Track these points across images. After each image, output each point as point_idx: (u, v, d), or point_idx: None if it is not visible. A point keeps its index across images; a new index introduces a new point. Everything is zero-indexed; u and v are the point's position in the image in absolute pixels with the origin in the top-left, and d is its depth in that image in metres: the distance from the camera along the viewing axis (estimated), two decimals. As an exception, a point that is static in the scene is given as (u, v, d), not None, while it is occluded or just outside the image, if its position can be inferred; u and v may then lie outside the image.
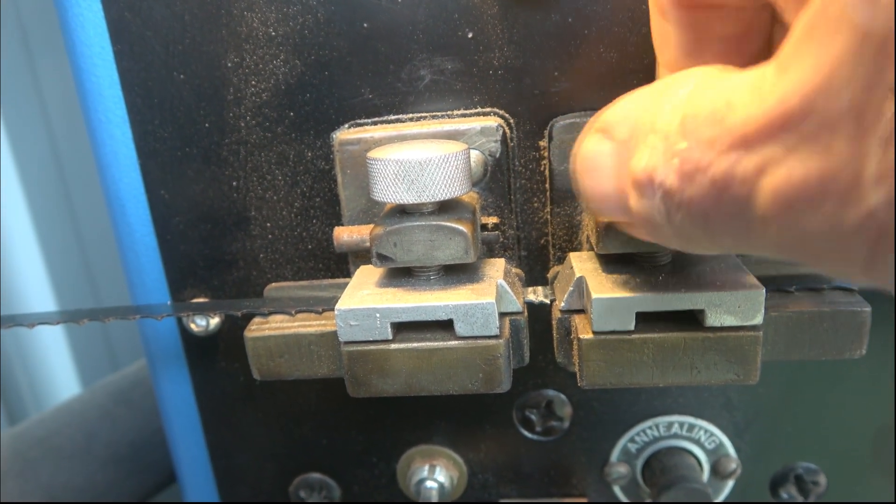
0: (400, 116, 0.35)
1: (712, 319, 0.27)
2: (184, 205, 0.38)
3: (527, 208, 0.36)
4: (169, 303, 0.40)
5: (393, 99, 0.35)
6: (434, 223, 0.29)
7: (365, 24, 0.34)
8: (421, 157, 0.28)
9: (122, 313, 0.35)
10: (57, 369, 0.84)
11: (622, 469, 0.40)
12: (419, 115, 0.35)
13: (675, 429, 0.39)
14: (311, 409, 0.42)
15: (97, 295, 0.88)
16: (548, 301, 0.32)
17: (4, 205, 0.78)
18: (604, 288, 0.28)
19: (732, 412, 0.39)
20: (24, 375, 0.84)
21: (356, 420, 0.42)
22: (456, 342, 0.29)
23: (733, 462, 0.39)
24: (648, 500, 0.41)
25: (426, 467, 0.41)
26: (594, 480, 0.41)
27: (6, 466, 0.56)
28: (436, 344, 0.29)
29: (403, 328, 0.30)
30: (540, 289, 0.33)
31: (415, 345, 0.29)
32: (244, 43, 0.35)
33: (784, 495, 0.40)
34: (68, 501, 0.57)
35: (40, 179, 0.80)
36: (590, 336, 0.28)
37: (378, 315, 0.29)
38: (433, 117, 0.35)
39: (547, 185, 0.35)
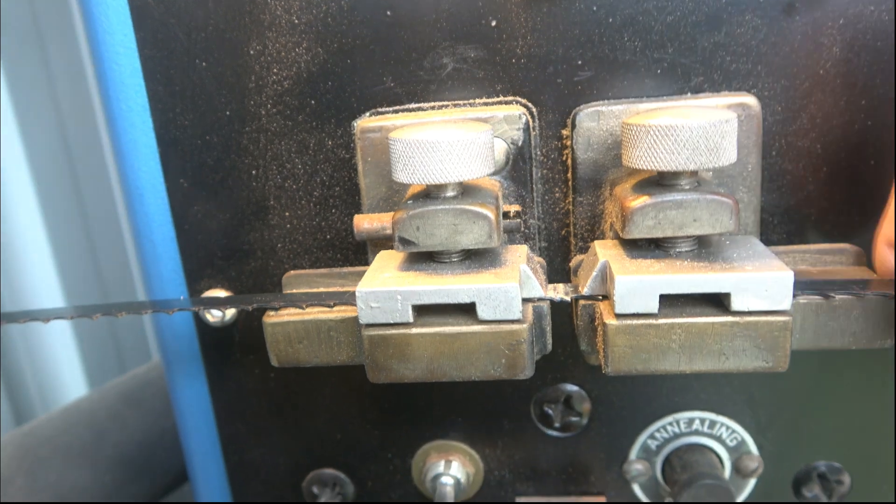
0: (422, 105, 0.35)
1: (739, 303, 0.27)
2: (203, 194, 0.38)
3: (548, 198, 0.35)
4: (185, 297, 0.40)
5: (415, 87, 0.35)
6: (458, 207, 0.29)
7: (388, 13, 0.34)
8: (443, 136, 0.28)
9: (153, 307, 0.34)
10: (65, 370, 0.83)
11: (641, 466, 0.39)
12: (441, 103, 0.35)
13: (696, 425, 0.38)
14: (325, 402, 0.41)
15: (104, 288, 0.88)
16: (568, 298, 0.31)
17: (15, 200, 0.78)
18: (627, 270, 0.28)
19: (755, 409, 0.38)
20: (31, 376, 0.84)
21: (371, 415, 0.41)
22: (479, 327, 0.29)
23: (755, 460, 0.38)
24: (668, 499, 0.40)
25: (442, 463, 0.40)
26: (613, 478, 0.40)
27: (15, 464, 0.56)
28: (458, 328, 0.29)
29: (424, 312, 0.30)
30: (560, 286, 0.32)
31: (437, 329, 0.29)
32: (267, 30, 0.35)
33: (808, 494, 0.39)
34: (76, 501, 0.56)
35: (50, 173, 0.81)
36: (615, 321, 0.28)
37: (399, 297, 0.29)
38: (455, 105, 0.34)
39: (569, 175, 0.35)
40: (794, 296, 0.28)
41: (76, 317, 0.34)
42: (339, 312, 0.31)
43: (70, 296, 0.83)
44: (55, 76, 0.79)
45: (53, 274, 0.81)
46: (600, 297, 0.30)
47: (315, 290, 0.35)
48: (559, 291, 0.31)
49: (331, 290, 0.34)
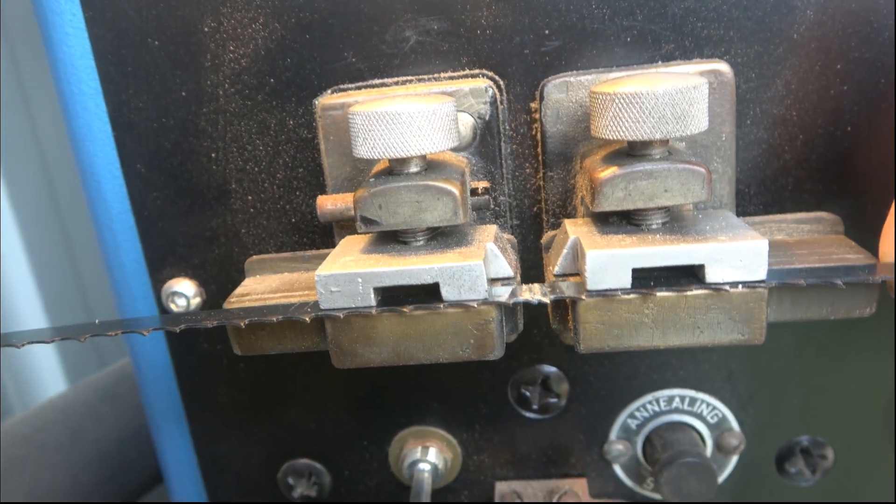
0: (385, 80, 0.33)
1: (713, 275, 0.26)
2: (161, 179, 0.36)
3: (518, 174, 0.34)
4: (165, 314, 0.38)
5: (377, 62, 0.33)
6: (421, 183, 0.28)
7: (346, -16, 0.32)
8: (404, 108, 0.26)
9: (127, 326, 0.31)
10: (43, 367, 0.82)
11: (622, 447, 0.39)
12: (405, 78, 0.33)
13: (676, 403, 0.38)
14: (297, 391, 0.40)
15: (82, 287, 0.86)
16: (547, 300, 0.28)
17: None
18: (598, 245, 0.27)
19: (735, 384, 0.37)
20: (9, 373, 0.82)
21: (345, 402, 0.40)
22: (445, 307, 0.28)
23: (737, 437, 0.38)
24: (650, 479, 0.39)
25: (419, 449, 0.39)
26: (594, 459, 0.39)
27: (-12, 464, 0.55)
28: (424, 310, 0.28)
29: (388, 296, 0.29)
30: (536, 286, 0.29)
31: (402, 310, 0.28)
32: (221, 6, 0.33)
33: (791, 470, 0.38)
34: (52, 502, 0.55)
35: (20, 162, 0.79)
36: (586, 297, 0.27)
37: (360, 280, 0.27)
38: (419, 80, 0.33)
39: (539, 150, 0.34)
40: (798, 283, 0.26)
41: (56, 339, 0.31)
42: (301, 297, 0.30)
43: (46, 292, 0.81)
44: (28, 86, 0.77)
45: (26, 266, 0.79)
46: (583, 297, 0.27)
47: (278, 274, 0.34)
48: (536, 292, 0.28)
49: (294, 274, 0.33)
